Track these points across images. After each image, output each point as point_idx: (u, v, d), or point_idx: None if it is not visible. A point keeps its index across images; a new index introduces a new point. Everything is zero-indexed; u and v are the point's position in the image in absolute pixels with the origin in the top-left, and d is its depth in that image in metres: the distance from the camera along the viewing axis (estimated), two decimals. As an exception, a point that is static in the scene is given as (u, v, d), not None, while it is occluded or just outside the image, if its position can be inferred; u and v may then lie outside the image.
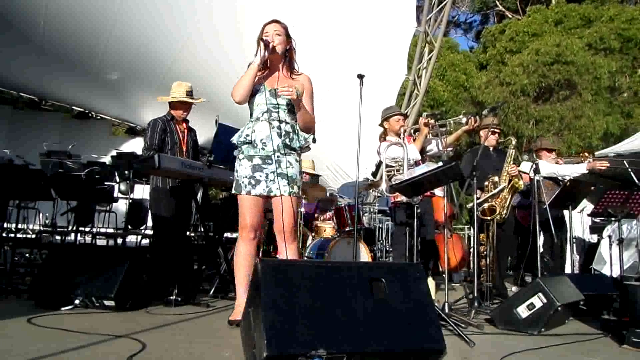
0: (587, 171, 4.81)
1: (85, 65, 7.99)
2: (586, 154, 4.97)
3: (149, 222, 6.08)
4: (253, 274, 1.98)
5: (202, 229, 5.02)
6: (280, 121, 2.78)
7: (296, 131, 2.83)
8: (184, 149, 3.90)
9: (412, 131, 4.51)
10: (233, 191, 2.85)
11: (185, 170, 3.39)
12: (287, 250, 2.77)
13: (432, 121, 4.06)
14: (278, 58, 2.84)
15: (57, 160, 5.92)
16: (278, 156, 2.74)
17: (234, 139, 2.86)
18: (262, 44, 2.71)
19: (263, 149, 2.75)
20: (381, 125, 4.35)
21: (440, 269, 5.39)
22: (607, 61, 13.78)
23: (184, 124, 3.98)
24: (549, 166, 4.86)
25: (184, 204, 3.90)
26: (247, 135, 2.77)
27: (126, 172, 5.71)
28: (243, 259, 2.81)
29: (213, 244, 4.78)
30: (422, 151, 4.36)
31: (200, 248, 5.20)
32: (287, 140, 2.78)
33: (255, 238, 2.85)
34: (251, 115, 2.86)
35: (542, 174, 4.42)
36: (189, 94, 3.91)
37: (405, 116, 4.57)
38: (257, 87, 2.79)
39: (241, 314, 2.20)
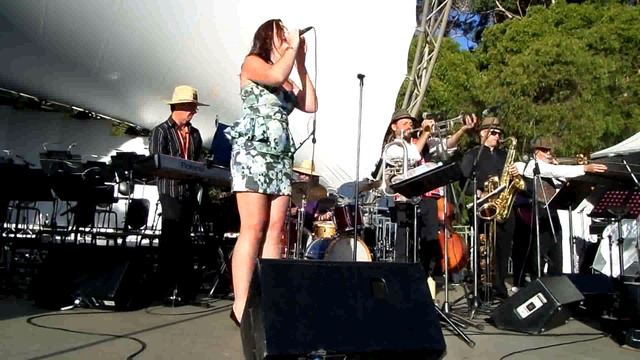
0: (583, 173, 4.80)
1: (85, 65, 7.98)
2: (581, 156, 4.95)
3: (149, 222, 6.10)
4: (253, 273, 1.98)
5: (202, 229, 5.02)
6: (287, 123, 2.84)
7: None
8: (185, 155, 3.96)
9: (417, 133, 4.52)
10: (244, 187, 2.64)
11: (185, 170, 3.40)
12: (273, 249, 2.76)
13: (432, 123, 4.09)
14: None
15: (57, 161, 5.92)
16: (283, 157, 2.79)
17: (241, 130, 2.70)
18: (299, 31, 2.69)
19: (275, 148, 2.74)
20: (389, 127, 4.39)
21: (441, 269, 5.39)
22: (607, 61, 13.79)
23: (185, 129, 4.02)
24: (545, 166, 4.84)
25: (189, 207, 3.98)
26: (264, 132, 2.70)
27: (126, 172, 5.70)
28: (251, 261, 2.63)
29: (213, 244, 4.78)
30: (426, 152, 4.38)
31: (200, 248, 5.20)
32: (295, 144, 2.87)
33: (261, 237, 2.75)
34: (256, 110, 2.74)
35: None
36: (194, 98, 3.98)
37: (413, 119, 4.59)
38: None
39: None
